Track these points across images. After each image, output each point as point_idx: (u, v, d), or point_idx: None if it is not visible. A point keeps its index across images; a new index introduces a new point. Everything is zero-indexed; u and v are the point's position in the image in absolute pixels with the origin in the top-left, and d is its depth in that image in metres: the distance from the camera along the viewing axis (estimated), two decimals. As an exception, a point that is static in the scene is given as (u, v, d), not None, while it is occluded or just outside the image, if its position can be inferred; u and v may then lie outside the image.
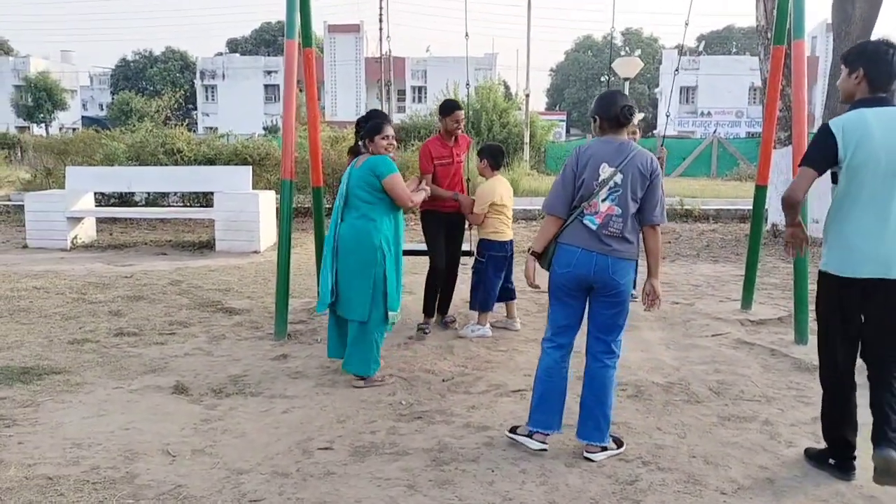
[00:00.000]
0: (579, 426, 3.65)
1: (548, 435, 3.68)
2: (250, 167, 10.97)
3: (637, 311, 6.66)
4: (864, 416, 3.30)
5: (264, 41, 63.38)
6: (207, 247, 10.27)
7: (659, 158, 5.64)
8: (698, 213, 13.93)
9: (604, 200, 3.51)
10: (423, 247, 6.06)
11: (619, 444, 3.68)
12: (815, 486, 3.31)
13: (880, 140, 3.13)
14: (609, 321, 3.59)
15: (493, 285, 5.80)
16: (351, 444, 3.74)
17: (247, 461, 3.54)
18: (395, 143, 4.79)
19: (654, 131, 49.73)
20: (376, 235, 4.58)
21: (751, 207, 6.73)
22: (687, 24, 6.69)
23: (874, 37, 10.66)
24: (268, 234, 10.11)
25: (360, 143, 4.84)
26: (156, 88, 51.65)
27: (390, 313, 4.65)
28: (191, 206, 12.99)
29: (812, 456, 3.56)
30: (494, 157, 5.87)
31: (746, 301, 6.71)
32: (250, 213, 9.88)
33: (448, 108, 5.78)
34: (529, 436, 3.70)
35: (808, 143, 3.33)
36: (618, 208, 3.51)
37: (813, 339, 5.53)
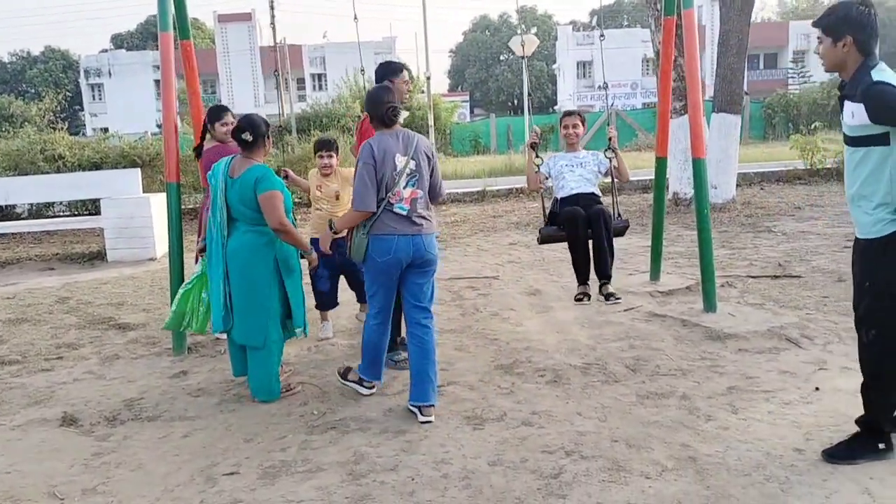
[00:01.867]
0: (414, 391, 3.99)
1: (374, 384, 4.29)
2: (139, 170, 10.36)
3: (551, 292, 6.66)
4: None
5: (151, 35, 60.43)
6: (98, 257, 9.62)
7: (610, 138, 5.40)
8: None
9: (405, 187, 3.91)
10: None
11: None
12: (736, 461, 3.28)
13: None
14: (424, 289, 4.06)
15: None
16: (260, 466, 3.49)
17: (144, 496, 3.24)
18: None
19: (555, 107, 50.49)
20: (269, 252, 4.18)
21: (653, 177, 6.76)
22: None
23: (756, 5, 11.00)
24: (164, 240, 9.49)
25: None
26: (37, 91, 48.60)
27: (297, 329, 4.38)
28: (79, 214, 12.20)
29: (839, 455, 3.26)
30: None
31: (654, 272, 6.76)
32: (142, 218, 9.32)
33: (398, 67, 4.79)
34: (360, 383, 4.26)
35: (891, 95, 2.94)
36: (420, 191, 3.97)
37: (722, 306, 5.63)
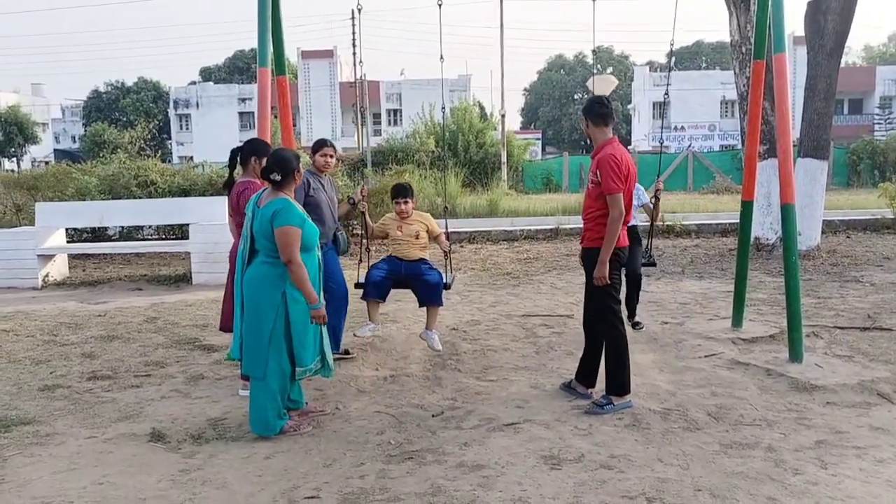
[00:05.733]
0: None
1: None
2: (225, 197, 10.73)
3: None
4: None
5: (238, 69, 63.18)
6: (184, 280, 10.01)
7: (657, 190, 6.45)
8: (680, 229, 13.86)
9: None
10: None
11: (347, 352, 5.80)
12: (827, 518, 3.16)
13: None
14: None
15: None
16: (339, 491, 3.54)
17: (229, 515, 3.33)
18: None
19: (630, 147, 50.01)
20: (279, 284, 4.17)
21: (732, 221, 6.70)
22: (672, 43, 6.51)
23: (845, 49, 10.75)
24: (246, 265, 9.87)
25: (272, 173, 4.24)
26: (129, 119, 51.07)
27: (298, 369, 4.28)
28: (166, 238, 12.71)
29: None
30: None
31: (737, 319, 6.59)
32: (227, 244, 9.54)
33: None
34: None
35: None
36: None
37: (808, 357, 5.45)
